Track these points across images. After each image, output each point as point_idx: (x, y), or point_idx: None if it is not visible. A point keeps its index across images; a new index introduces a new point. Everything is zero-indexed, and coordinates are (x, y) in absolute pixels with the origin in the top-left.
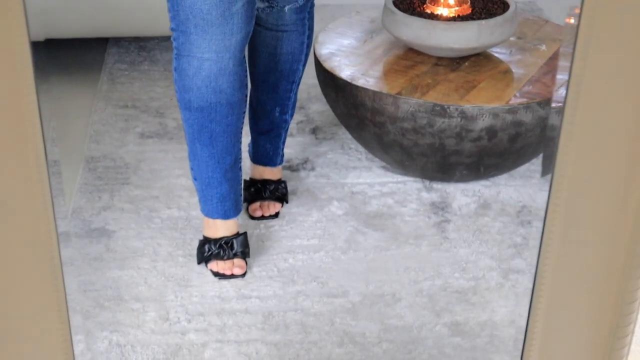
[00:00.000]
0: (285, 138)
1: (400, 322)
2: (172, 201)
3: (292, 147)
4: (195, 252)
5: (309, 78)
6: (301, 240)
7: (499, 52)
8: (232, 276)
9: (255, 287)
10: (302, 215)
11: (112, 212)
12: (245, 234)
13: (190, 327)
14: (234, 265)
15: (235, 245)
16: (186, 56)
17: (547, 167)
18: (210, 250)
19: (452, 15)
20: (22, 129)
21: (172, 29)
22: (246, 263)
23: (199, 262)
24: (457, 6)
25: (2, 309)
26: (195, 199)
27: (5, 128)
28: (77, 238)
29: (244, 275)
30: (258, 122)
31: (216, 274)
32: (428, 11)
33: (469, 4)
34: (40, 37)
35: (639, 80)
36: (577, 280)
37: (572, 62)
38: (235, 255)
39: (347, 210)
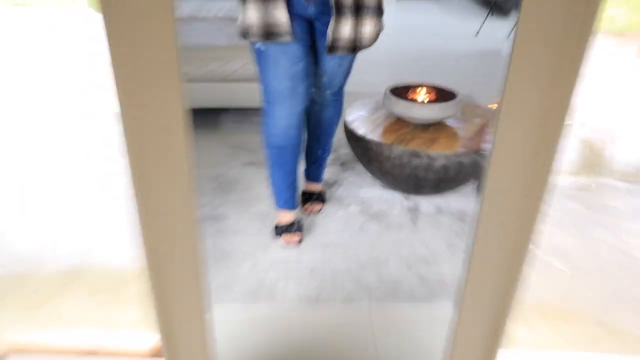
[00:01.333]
0: (324, 167)
1: (388, 273)
2: (259, 201)
3: (329, 173)
4: (272, 230)
5: (340, 133)
6: (333, 226)
7: (450, 122)
8: (293, 243)
9: (305, 252)
10: (333, 212)
11: (225, 207)
12: (301, 219)
13: (270, 270)
14: (295, 236)
15: (295, 225)
16: (270, 117)
17: (479, 188)
18: (281, 229)
19: (423, 100)
20: (177, 158)
21: (263, 101)
22: (301, 236)
23: (276, 235)
24: (427, 95)
25: (165, 257)
26: (271, 201)
27: (168, 156)
28: (206, 221)
29: (300, 242)
30: (309, 157)
31: (285, 242)
32: (410, 97)
33: (432, 93)
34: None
35: (529, 143)
36: (491, 253)
37: (494, 130)
38: (296, 231)
39: (360, 210)
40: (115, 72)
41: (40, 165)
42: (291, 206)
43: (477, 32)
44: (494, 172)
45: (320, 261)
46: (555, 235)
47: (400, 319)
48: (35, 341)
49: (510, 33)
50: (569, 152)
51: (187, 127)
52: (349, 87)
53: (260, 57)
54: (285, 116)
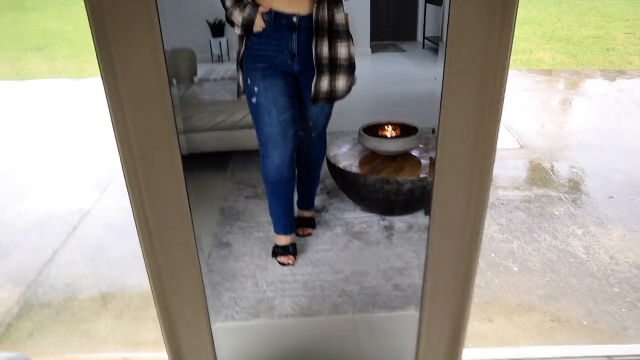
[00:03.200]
0: (314, 196)
1: (369, 284)
2: (259, 227)
3: (318, 200)
4: (270, 252)
5: (324, 166)
6: (322, 246)
7: (414, 152)
8: (288, 264)
9: (298, 269)
10: (322, 233)
11: (232, 234)
12: (294, 243)
13: (267, 289)
14: (290, 258)
15: (290, 249)
16: (266, 157)
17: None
18: (278, 250)
19: (391, 135)
20: (177, 201)
21: (259, 145)
22: (295, 257)
23: (273, 257)
24: (393, 131)
25: (170, 280)
26: (271, 228)
27: (167, 199)
28: (215, 247)
29: (294, 263)
30: (301, 188)
31: (281, 263)
32: (380, 133)
33: (398, 129)
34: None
35: (468, 169)
36: (444, 257)
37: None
38: (290, 253)
39: (344, 231)
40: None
41: (73, 203)
42: (288, 231)
43: (436, 77)
44: (438, 193)
45: (311, 277)
46: (507, 241)
47: (380, 326)
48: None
49: (436, 77)
50: (514, 170)
51: (182, 173)
52: (331, 128)
53: (255, 109)
54: (279, 157)
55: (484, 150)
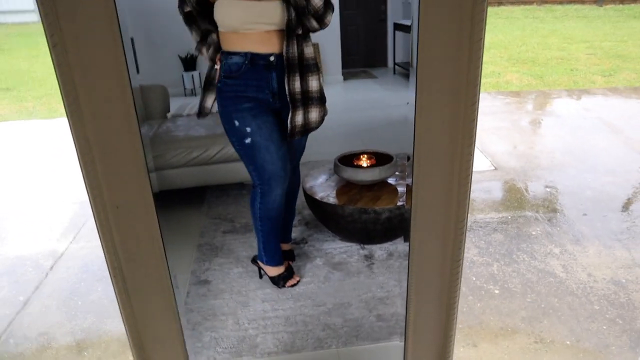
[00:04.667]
0: (291, 229)
1: (351, 316)
2: (238, 263)
3: (296, 232)
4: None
5: (302, 197)
6: (302, 278)
7: (390, 180)
8: (297, 282)
9: (280, 304)
10: (302, 266)
11: (210, 271)
12: (289, 264)
13: (249, 326)
14: (294, 279)
15: (289, 271)
16: (268, 195)
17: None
18: (280, 279)
19: (366, 164)
20: (150, 242)
21: (257, 184)
22: (299, 276)
23: (279, 287)
24: (368, 160)
25: (147, 328)
26: (249, 262)
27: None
28: (193, 285)
29: (300, 280)
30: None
31: (289, 285)
32: (355, 163)
33: (373, 158)
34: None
35: (445, 193)
36: (426, 284)
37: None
38: (292, 275)
39: (324, 262)
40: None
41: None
42: (282, 260)
43: (408, 102)
44: (416, 220)
45: (293, 311)
46: (487, 264)
47: (365, 358)
48: None
49: (409, 101)
50: (489, 192)
51: (156, 219)
52: (306, 157)
53: (251, 149)
54: (282, 191)
55: (460, 173)
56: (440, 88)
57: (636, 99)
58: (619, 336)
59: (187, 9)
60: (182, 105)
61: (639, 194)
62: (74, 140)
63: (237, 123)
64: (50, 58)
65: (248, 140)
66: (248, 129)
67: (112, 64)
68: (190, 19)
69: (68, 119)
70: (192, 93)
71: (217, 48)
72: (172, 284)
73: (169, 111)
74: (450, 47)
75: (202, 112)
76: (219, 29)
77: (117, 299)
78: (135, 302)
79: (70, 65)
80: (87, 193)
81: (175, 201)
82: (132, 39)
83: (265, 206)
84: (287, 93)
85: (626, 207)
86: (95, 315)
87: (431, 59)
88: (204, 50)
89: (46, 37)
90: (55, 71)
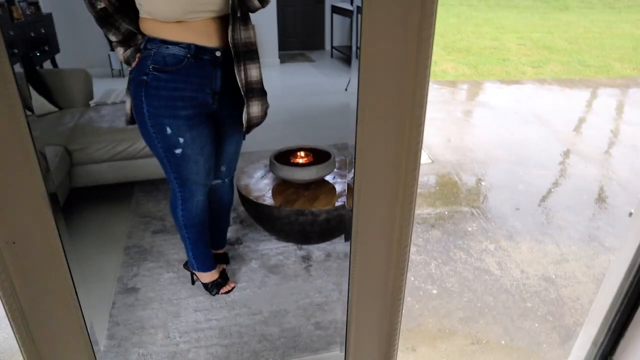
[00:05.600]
0: (226, 235)
1: (289, 325)
2: (169, 267)
3: (231, 231)
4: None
5: (236, 194)
6: (237, 284)
7: (328, 179)
8: (232, 289)
9: (214, 314)
10: (237, 269)
11: (139, 277)
12: (222, 268)
13: (180, 340)
14: (230, 285)
15: (223, 277)
16: (190, 201)
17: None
18: (214, 286)
19: (303, 162)
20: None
21: (178, 191)
22: (234, 282)
23: (212, 293)
24: (305, 158)
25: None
26: (181, 267)
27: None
28: (119, 294)
29: (235, 286)
30: (212, 229)
31: (224, 292)
32: (292, 161)
33: (310, 155)
34: (89, 184)
35: (385, 195)
36: (368, 288)
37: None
38: (226, 281)
39: (260, 264)
40: None
41: None
42: (214, 265)
43: (346, 88)
44: (359, 217)
45: (227, 321)
46: (425, 262)
47: None
48: None
49: (347, 85)
50: (427, 187)
51: (63, 256)
52: (243, 148)
53: (180, 159)
54: (204, 197)
55: (407, 166)
56: (386, 75)
57: (561, 91)
58: (549, 333)
59: (101, 4)
60: (108, 91)
61: (566, 187)
62: None
63: (169, 130)
64: None
65: (178, 151)
66: (181, 140)
67: None
68: (105, 18)
69: None
70: (120, 74)
71: (138, 49)
72: (85, 323)
73: (92, 98)
74: (399, 26)
75: (132, 120)
76: (149, 16)
77: (18, 345)
78: (42, 347)
79: None
80: None
81: (99, 198)
82: (50, 14)
83: (188, 213)
84: (240, 84)
85: (554, 201)
86: None
87: (376, 44)
88: (122, 51)
89: None
90: None
